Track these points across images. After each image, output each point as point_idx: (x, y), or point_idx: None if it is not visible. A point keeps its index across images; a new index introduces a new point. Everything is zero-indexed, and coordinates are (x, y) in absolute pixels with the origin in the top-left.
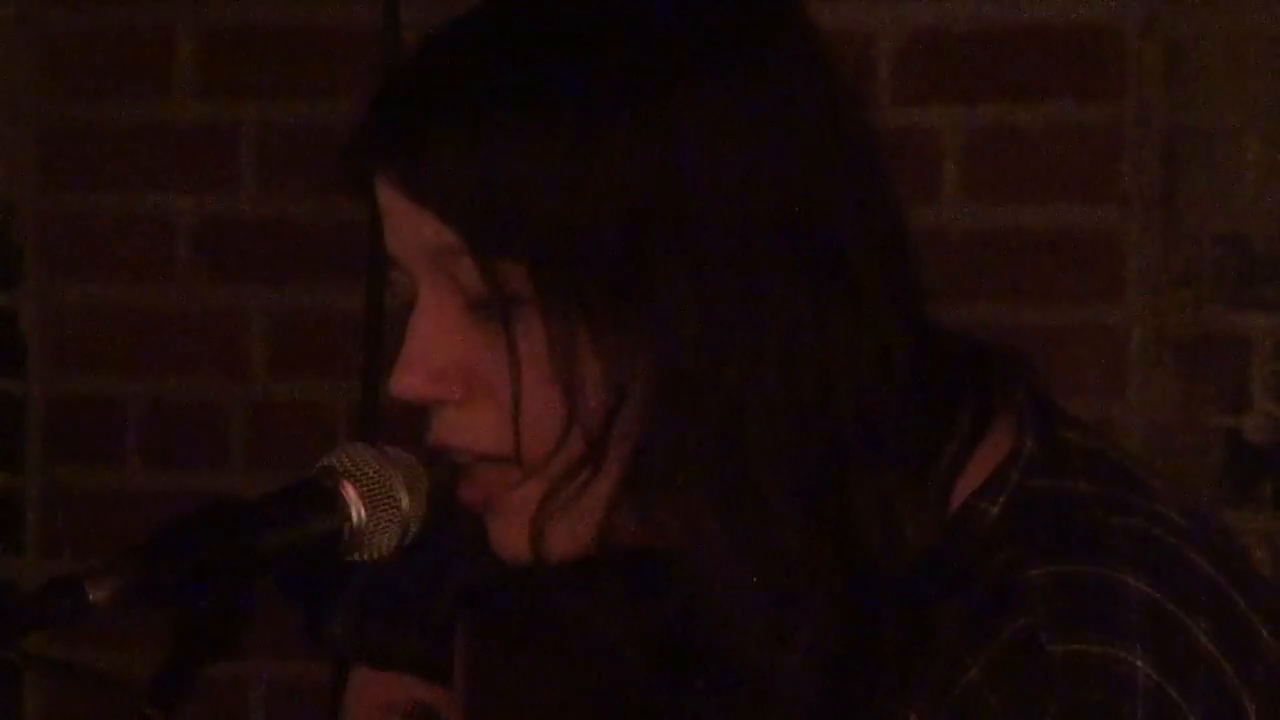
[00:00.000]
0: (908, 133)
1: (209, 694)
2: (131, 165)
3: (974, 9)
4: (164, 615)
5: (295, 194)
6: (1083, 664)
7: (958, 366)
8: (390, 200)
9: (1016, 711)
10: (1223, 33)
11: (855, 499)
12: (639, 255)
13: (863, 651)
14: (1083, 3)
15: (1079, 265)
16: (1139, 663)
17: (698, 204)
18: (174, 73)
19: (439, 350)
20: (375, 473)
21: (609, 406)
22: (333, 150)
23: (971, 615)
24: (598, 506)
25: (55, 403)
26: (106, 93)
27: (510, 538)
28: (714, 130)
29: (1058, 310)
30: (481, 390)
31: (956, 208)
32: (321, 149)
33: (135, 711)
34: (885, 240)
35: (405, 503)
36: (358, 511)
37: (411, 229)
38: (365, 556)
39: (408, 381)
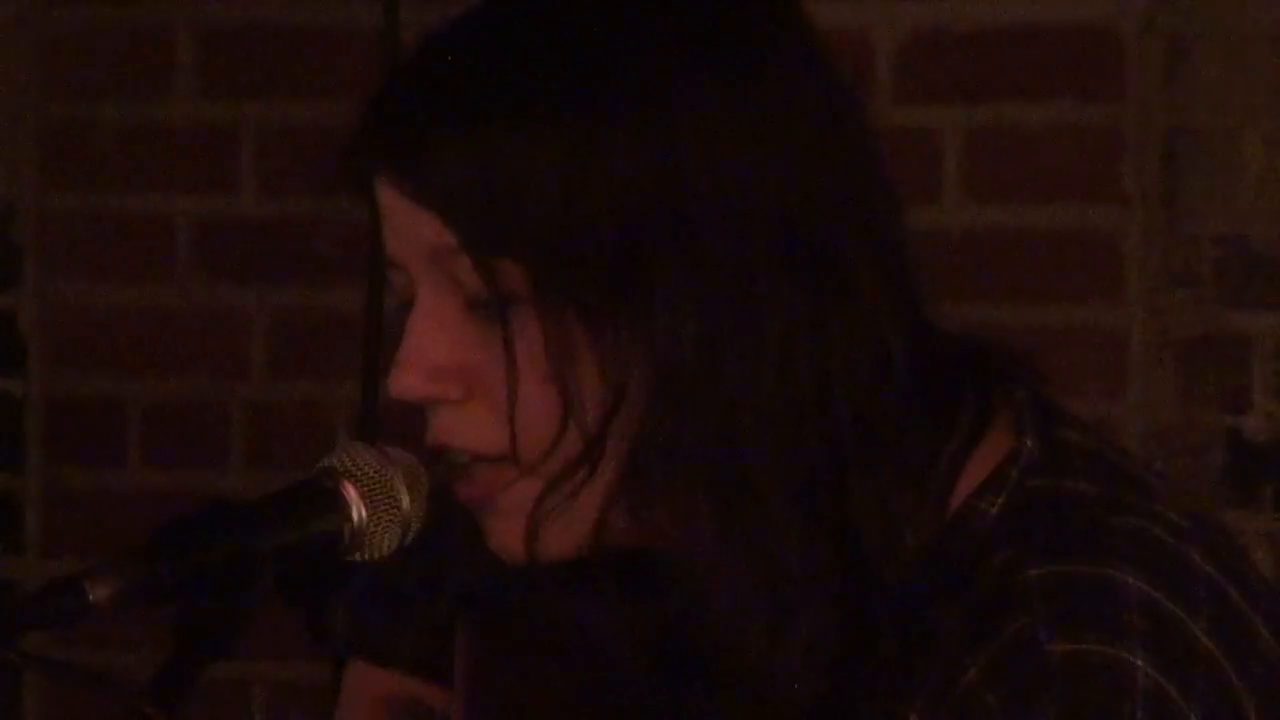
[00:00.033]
0: (908, 133)
1: (209, 694)
2: (132, 165)
3: (974, 9)
4: (164, 615)
5: (295, 194)
6: (1082, 664)
7: (957, 367)
8: (389, 200)
9: (1016, 712)
10: (1223, 33)
11: (853, 500)
12: (637, 256)
13: (862, 652)
14: (1083, 3)
15: (1079, 265)
16: (1139, 662)
17: (696, 205)
18: (174, 73)
19: (437, 350)
20: (376, 473)
21: (606, 407)
22: (333, 150)
23: (971, 615)
24: (594, 506)
25: (55, 403)
26: (107, 93)
27: (506, 536)
28: (712, 131)
29: (1058, 310)
30: (479, 390)
31: (956, 207)
32: (321, 149)
33: (135, 712)
34: (884, 242)
35: (406, 503)
36: (358, 512)
37: (410, 229)
38: (366, 557)
39: (406, 381)
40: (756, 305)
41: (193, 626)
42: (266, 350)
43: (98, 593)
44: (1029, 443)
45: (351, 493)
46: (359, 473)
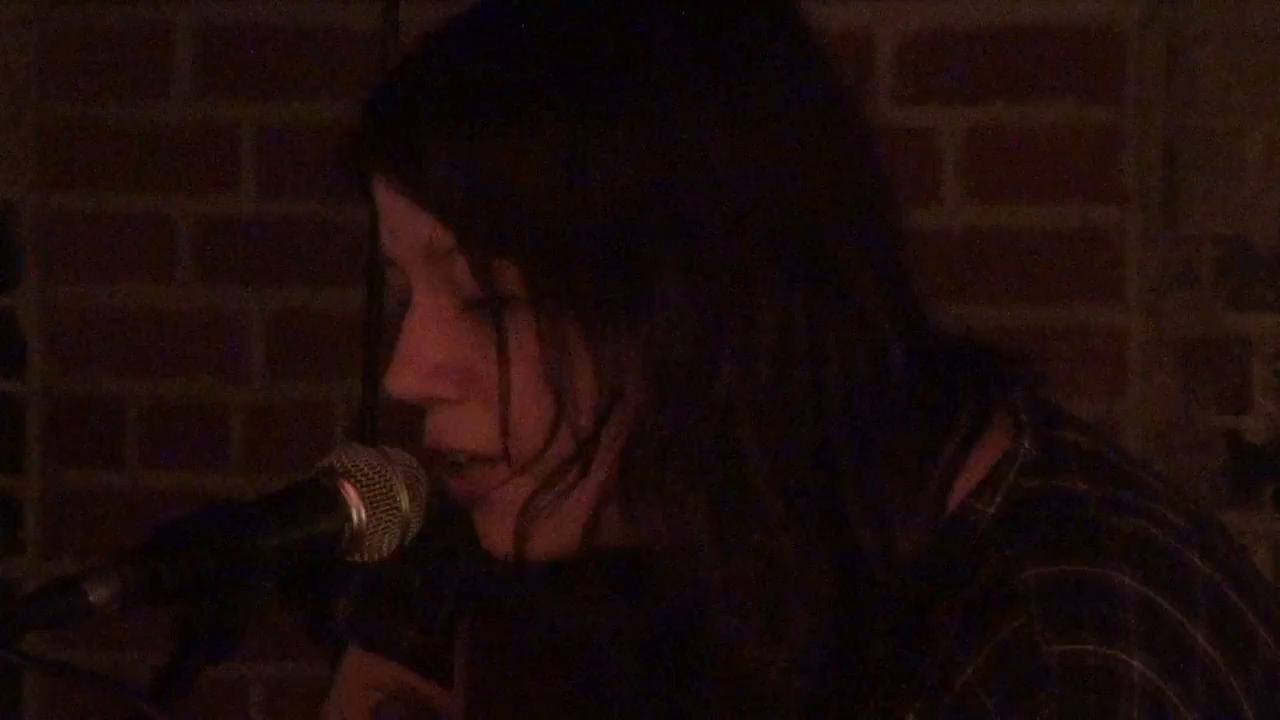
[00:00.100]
0: (908, 132)
1: (209, 694)
2: (131, 166)
3: (974, 9)
4: (164, 616)
5: (295, 195)
6: (1079, 665)
7: (956, 367)
8: (386, 200)
9: (1012, 712)
10: (1223, 33)
11: (847, 501)
12: (633, 256)
13: (858, 652)
14: (1083, 3)
15: (1079, 265)
16: (1135, 663)
17: (692, 206)
18: (173, 73)
19: (433, 349)
20: (375, 473)
21: (600, 407)
22: (332, 151)
23: (968, 616)
24: (586, 506)
25: (55, 403)
26: (106, 93)
27: (497, 534)
28: (709, 132)
29: (1058, 310)
30: (475, 389)
31: (956, 207)
32: (321, 150)
33: (135, 712)
34: (882, 242)
35: (405, 503)
36: (358, 512)
37: (407, 228)
38: (365, 557)
39: (402, 381)
40: (752, 307)
41: (192, 627)
42: (266, 351)
43: (97, 593)
44: (1026, 443)
45: (351, 493)
46: (358, 473)
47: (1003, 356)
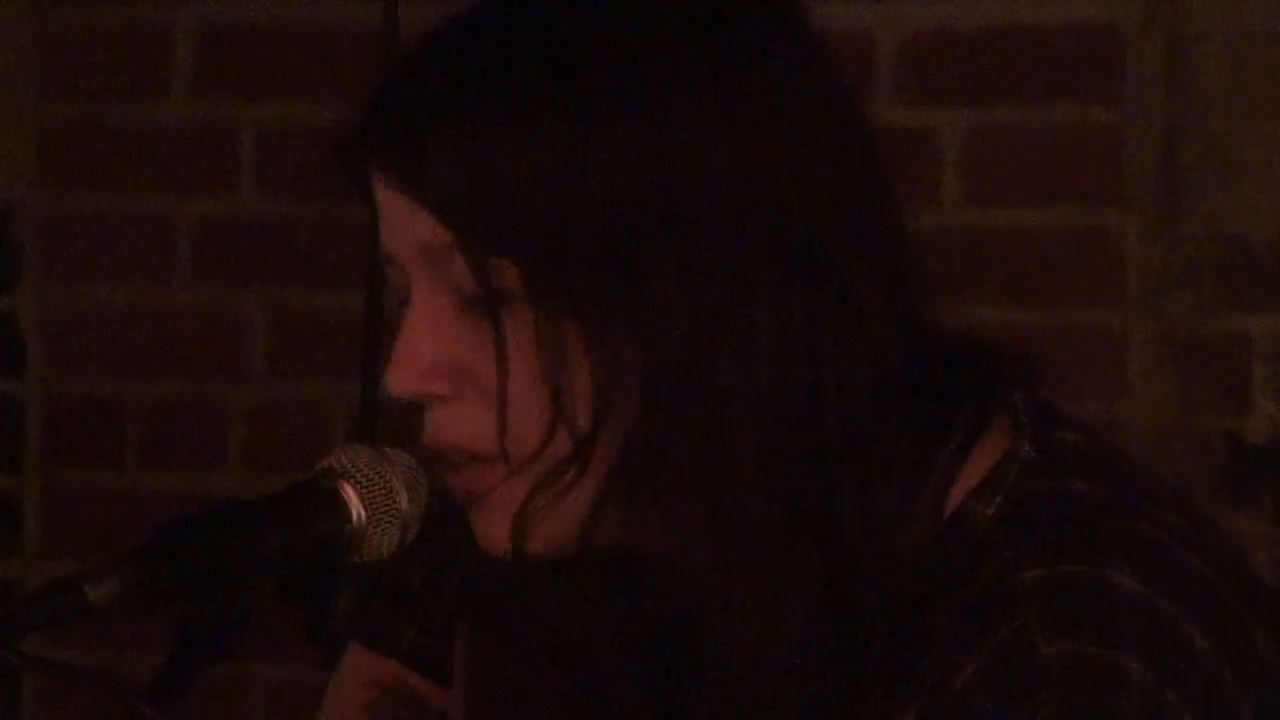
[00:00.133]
0: (908, 133)
1: (208, 695)
2: (130, 166)
3: (974, 10)
4: (163, 616)
5: (295, 195)
6: (1077, 665)
7: (956, 368)
8: (386, 197)
9: (1010, 713)
10: (1223, 33)
11: (844, 503)
12: (631, 256)
13: (856, 653)
14: (1083, 4)
15: (1079, 266)
16: (1133, 664)
17: (691, 206)
18: (173, 73)
19: (431, 347)
20: (374, 474)
21: (597, 407)
22: (332, 151)
23: (966, 617)
24: (582, 505)
25: (55, 404)
26: (106, 93)
27: (494, 532)
28: (709, 132)
29: (1057, 311)
30: (472, 387)
31: (956, 208)
32: (321, 150)
33: (134, 712)
34: (882, 244)
35: (404, 504)
36: (357, 513)
37: (406, 226)
38: (365, 558)
39: (400, 378)
40: (751, 308)
41: (191, 627)
42: (265, 351)
43: (97, 593)
44: (1026, 444)
45: (350, 494)
46: (358, 474)
47: (1002, 357)
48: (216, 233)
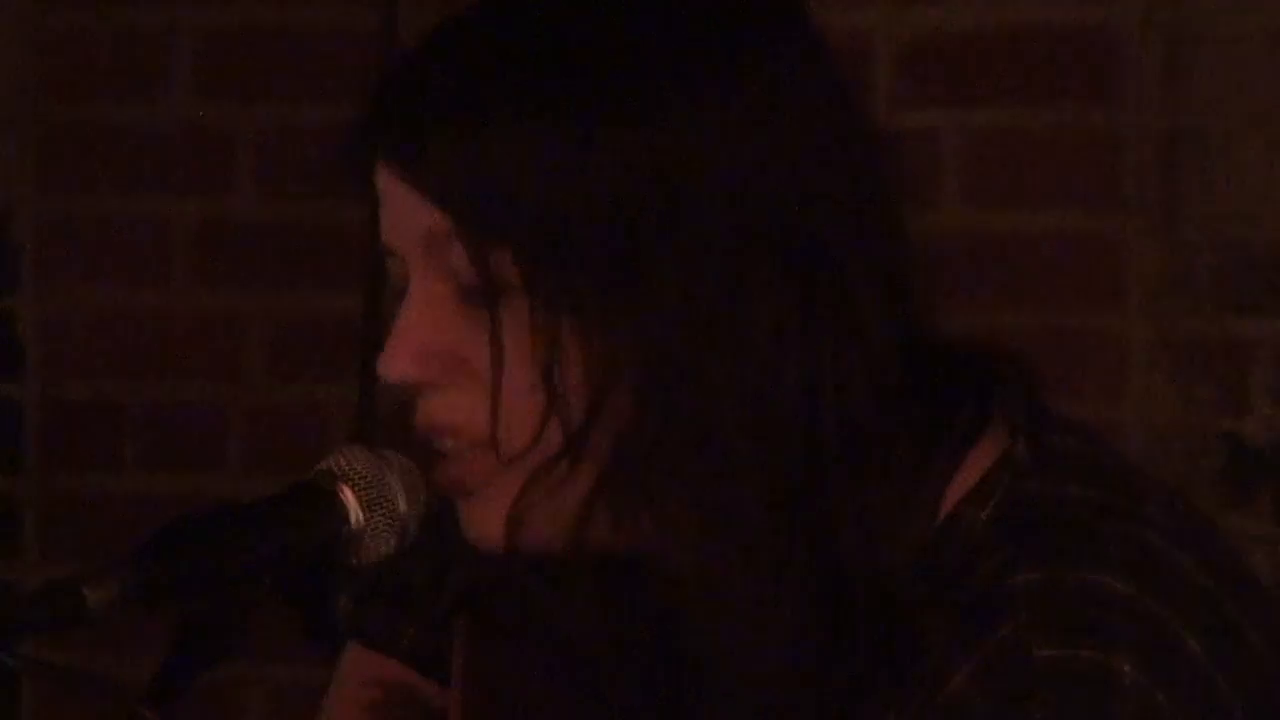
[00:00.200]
0: (907, 136)
1: (207, 696)
2: (129, 168)
3: (973, 12)
4: (162, 618)
5: (293, 197)
6: (1069, 669)
7: (954, 372)
8: (388, 186)
9: (1003, 715)
10: (1222, 35)
11: (837, 506)
12: (630, 251)
13: (849, 656)
14: (1081, 6)
15: (1079, 269)
16: (1126, 667)
17: (691, 204)
18: (171, 76)
19: (427, 335)
20: (373, 476)
21: (590, 402)
22: (331, 152)
23: (961, 619)
24: (574, 502)
25: (53, 406)
26: (104, 95)
27: (483, 524)
28: (711, 130)
29: (1058, 315)
30: (466, 376)
31: (955, 211)
32: (319, 152)
33: (133, 714)
34: (882, 247)
35: (403, 505)
36: (356, 515)
37: (407, 214)
38: (363, 560)
39: (394, 364)
40: (747, 307)
41: (190, 630)
42: (264, 354)
43: (95, 596)
44: (1021, 447)
45: (349, 496)
46: (356, 476)
47: (1000, 360)
48: (215, 235)
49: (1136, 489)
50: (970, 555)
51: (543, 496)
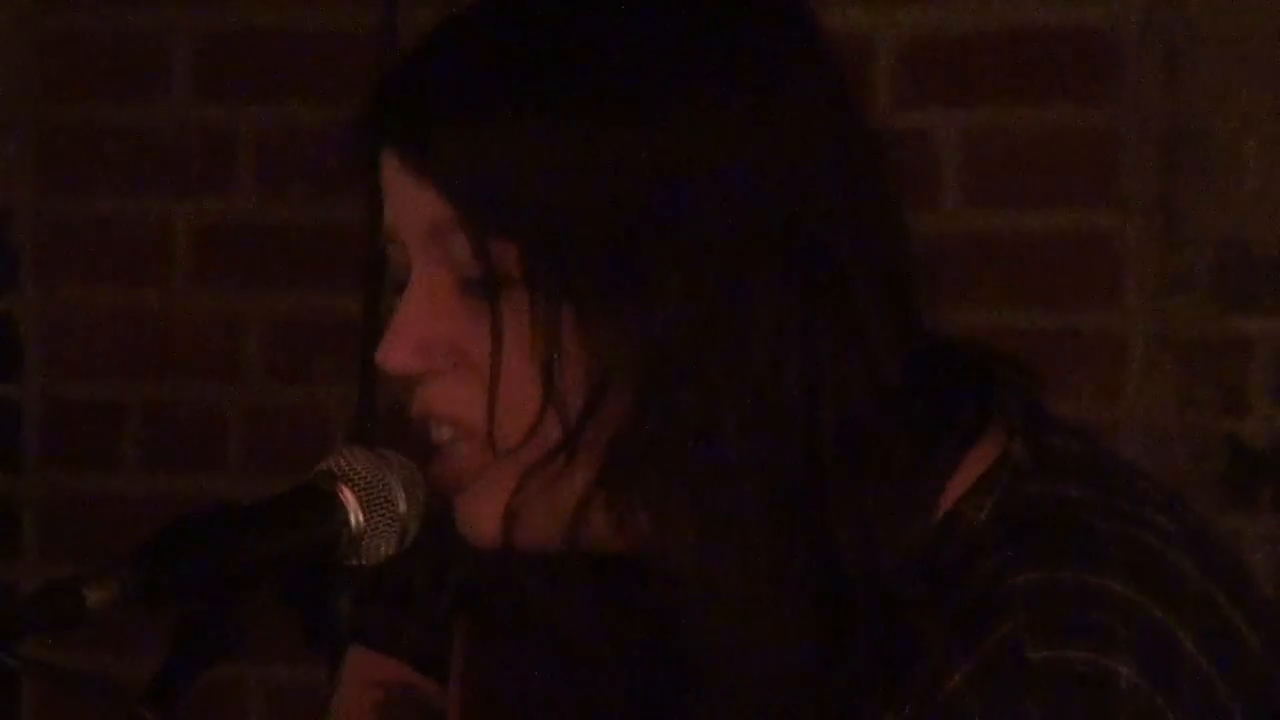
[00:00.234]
0: (906, 136)
1: (206, 697)
2: (129, 169)
3: (972, 13)
4: (161, 619)
5: (293, 198)
6: (1065, 670)
7: (953, 373)
8: (393, 175)
9: (1000, 717)
10: (1221, 35)
11: (835, 507)
12: (632, 247)
13: (845, 657)
14: (1081, 6)
15: (1078, 269)
16: (1122, 669)
17: (695, 201)
18: (171, 76)
19: (427, 325)
20: (373, 477)
21: (588, 397)
22: (331, 153)
23: (957, 621)
24: (570, 498)
25: (53, 406)
26: (104, 96)
27: (477, 519)
28: (717, 129)
29: (1057, 314)
30: (465, 367)
31: (955, 211)
32: (319, 152)
33: (132, 715)
34: (884, 249)
35: (403, 506)
36: (355, 516)
37: (411, 203)
38: (363, 560)
39: (393, 354)
40: (748, 306)
41: (190, 630)
42: (263, 354)
43: (94, 597)
44: (1018, 448)
45: (349, 497)
46: (356, 477)
47: (1000, 361)
48: (214, 235)
49: (1135, 490)
50: (968, 555)
51: (538, 492)
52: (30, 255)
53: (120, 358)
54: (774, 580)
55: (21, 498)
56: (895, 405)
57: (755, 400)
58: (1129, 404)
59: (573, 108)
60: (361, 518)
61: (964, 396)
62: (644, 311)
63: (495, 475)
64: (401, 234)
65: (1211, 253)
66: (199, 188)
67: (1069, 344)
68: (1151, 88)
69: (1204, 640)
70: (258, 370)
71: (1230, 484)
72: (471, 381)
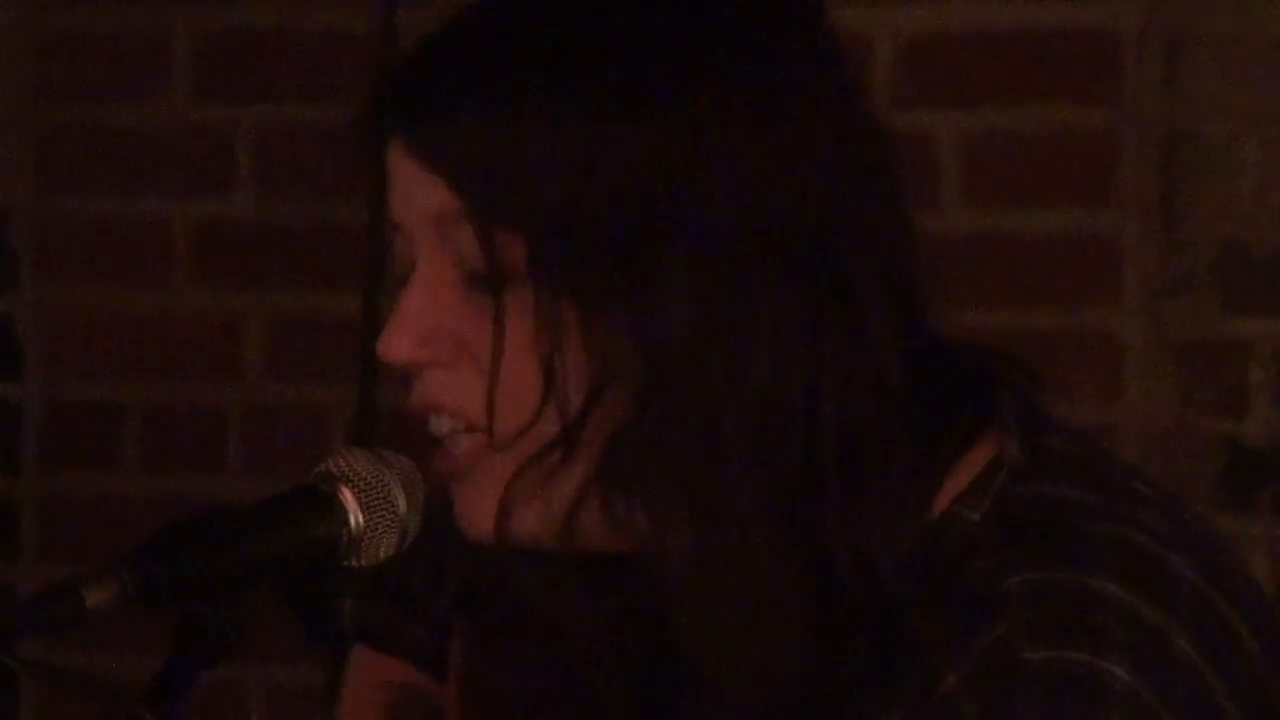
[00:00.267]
0: (906, 136)
1: (206, 698)
2: (128, 169)
3: (972, 13)
4: (161, 620)
5: (293, 197)
6: (1058, 671)
7: (952, 375)
8: (400, 163)
9: (993, 718)
10: (1221, 37)
11: (832, 509)
12: (638, 245)
13: (839, 658)
14: (1080, 7)
15: (1077, 270)
16: (1115, 669)
17: (702, 201)
18: (171, 77)
19: (429, 316)
20: (372, 477)
21: (589, 393)
22: (330, 154)
23: (950, 623)
24: (567, 494)
25: (52, 407)
26: (103, 97)
27: (475, 512)
28: (725, 131)
29: (1056, 315)
30: (466, 359)
31: (954, 212)
32: (319, 153)
33: (132, 716)
34: (890, 252)
35: (403, 507)
36: (355, 516)
37: (418, 193)
38: (363, 561)
39: (395, 344)
40: (751, 306)
41: (189, 630)
42: (263, 354)
43: (94, 598)
44: (1014, 449)
45: (348, 498)
46: (356, 477)
47: (1000, 362)
48: (214, 236)
49: (1132, 492)
50: (963, 556)
51: (535, 486)
52: (30, 255)
53: (120, 358)
54: (771, 581)
55: (21, 498)
56: (895, 408)
57: (756, 400)
58: (1128, 404)
59: (584, 102)
60: (361, 518)
61: (963, 397)
62: (647, 308)
63: (493, 467)
64: (407, 224)
65: (1211, 253)
66: (199, 188)
67: (1068, 344)
68: (1151, 88)
69: (1200, 642)
70: (258, 370)
71: (1230, 484)
72: (472, 374)
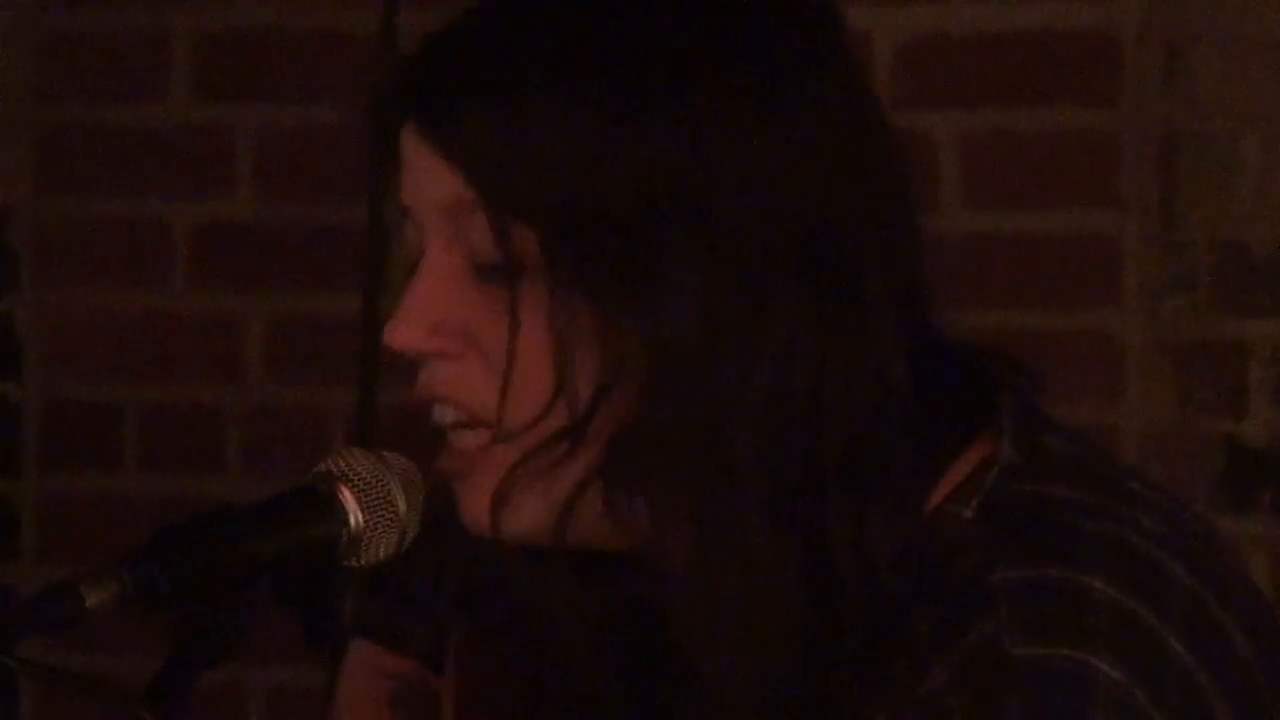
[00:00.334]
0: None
1: (206, 697)
2: (128, 170)
3: (972, 13)
4: (161, 621)
5: (292, 198)
6: (1045, 667)
7: (951, 374)
8: (414, 151)
9: (979, 715)
10: (1220, 37)
11: (832, 511)
12: (650, 240)
13: (832, 656)
14: (1080, 7)
15: (1077, 270)
16: (1104, 667)
17: (715, 197)
18: (170, 77)
19: (438, 305)
20: (372, 477)
21: (597, 387)
22: (329, 154)
23: (940, 619)
24: (566, 488)
25: (52, 408)
26: (103, 97)
27: (476, 505)
28: (741, 126)
29: (1056, 315)
30: (473, 351)
31: (955, 212)
32: (319, 153)
33: (132, 717)
34: (897, 248)
35: (402, 507)
36: (355, 517)
37: (431, 181)
38: (363, 561)
39: (402, 333)
40: (761, 306)
41: (189, 630)
42: (263, 355)
43: (94, 598)
44: (1007, 448)
45: (348, 498)
46: (355, 478)
47: (999, 362)
48: (214, 236)
49: (1129, 493)
50: (952, 552)
51: (538, 479)
52: (30, 255)
53: (119, 359)
54: (770, 579)
55: (21, 498)
56: (897, 409)
57: (760, 398)
58: (1128, 405)
59: (600, 97)
60: (361, 518)
61: (962, 397)
62: (659, 306)
63: (497, 460)
64: (419, 212)
65: (1211, 254)
66: (199, 188)
67: (1068, 344)
68: (1151, 88)
69: (1191, 640)
70: (257, 370)
71: (1229, 485)
72: (479, 367)
